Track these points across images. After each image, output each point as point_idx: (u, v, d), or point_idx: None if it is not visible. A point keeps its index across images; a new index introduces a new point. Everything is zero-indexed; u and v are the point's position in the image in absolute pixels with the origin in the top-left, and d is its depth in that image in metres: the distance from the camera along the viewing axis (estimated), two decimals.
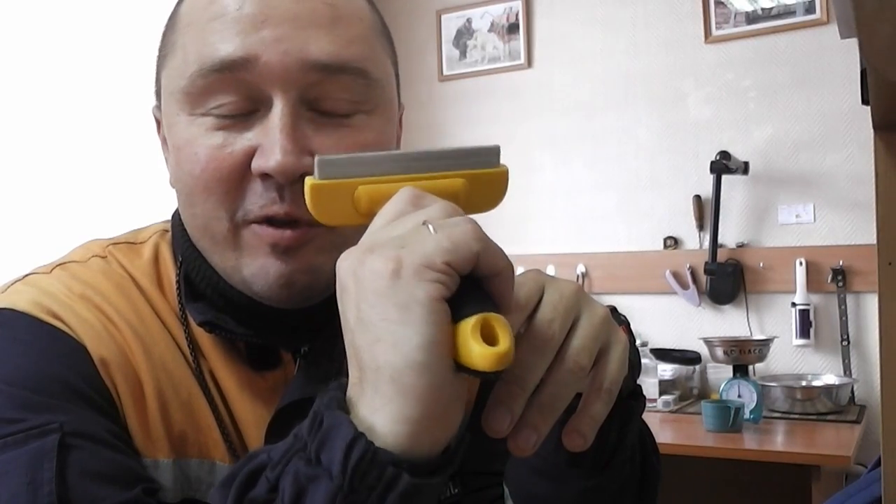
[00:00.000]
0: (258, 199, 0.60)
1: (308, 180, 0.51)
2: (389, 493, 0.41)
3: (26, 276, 0.65)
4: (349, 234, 0.63)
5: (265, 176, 0.60)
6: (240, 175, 0.60)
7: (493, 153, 0.54)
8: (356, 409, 0.43)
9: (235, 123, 0.60)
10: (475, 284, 0.44)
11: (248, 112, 0.61)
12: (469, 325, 0.42)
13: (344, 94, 0.62)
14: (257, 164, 0.59)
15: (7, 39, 2.16)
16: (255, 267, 0.62)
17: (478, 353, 0.41)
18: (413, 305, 0.41)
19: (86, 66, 2.30)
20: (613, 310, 0.58)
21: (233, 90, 0.60)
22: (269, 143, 0.59)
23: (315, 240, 0.62)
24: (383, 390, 0.42)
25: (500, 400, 0.46)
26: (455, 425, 0.44)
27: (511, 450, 0.47)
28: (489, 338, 0.42)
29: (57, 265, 0.66)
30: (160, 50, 0.67)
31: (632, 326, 2.03)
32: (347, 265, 0.44)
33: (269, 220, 0.61)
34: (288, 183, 0.59)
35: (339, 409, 0.43)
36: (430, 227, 0.43)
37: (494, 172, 0.54)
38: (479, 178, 0.53)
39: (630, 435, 0.63)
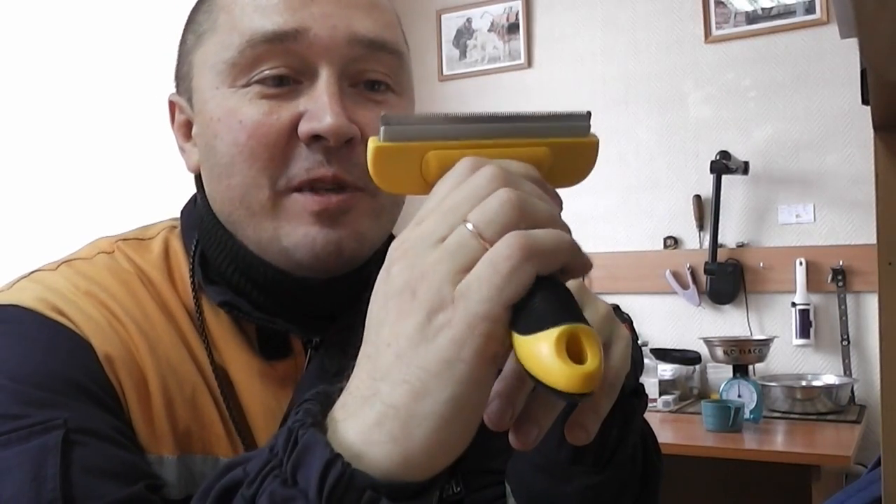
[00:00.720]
0: (304, 163, 0.62)
1: (372, 141, 0.45)
2: None
3: (32, 272, 0.66)
4: (386, 205, 0.65)
5: (313, 140, 0.62)
6: (285, 141, 0.62)
7: (583, 119, 0.49)
8: (347, 425, 0.41)
9: (280, 93, 0.63)
10: (555, 285, 0.39)
11: (293, 85, 0.63)
12: (553, 339, 0.36)
13: (382, 71, 0.66)
14: (309, 126, 0.62)
15: (12, 38, 2.16)
16: (298, 235, 0.63)
17: (565, 374, 0.36)
18: (457, 364, 0.39)
19: (92, 66, 2.30)
20: (616, 308, 0.59)
21: (280, 61, 0.63)
22: (320, 107, 0.62)
23: (359, 204, 0.64)
24: (390, 427, 0.40)
25: (500, 394, 0.45)
26: (457, 454, 0.42)
27: (512, 444, 0.47)
28: (574, 353, 0.37)
29: (63, 262, 0.67)
30: (192, 32, 0.69)
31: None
32: (402, 279, 0.41)
33: (313, 187, 0.63)
34: (336, 146, 0.62)
35: (315, 427, 0.41)
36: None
37: (584, 143, 0.49)
38: (566, 148, 0.48)
39: (632, 433, 0.63)
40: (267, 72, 0.63)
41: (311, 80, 0.63)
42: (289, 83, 0.63)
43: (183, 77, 0.69)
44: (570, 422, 0.48)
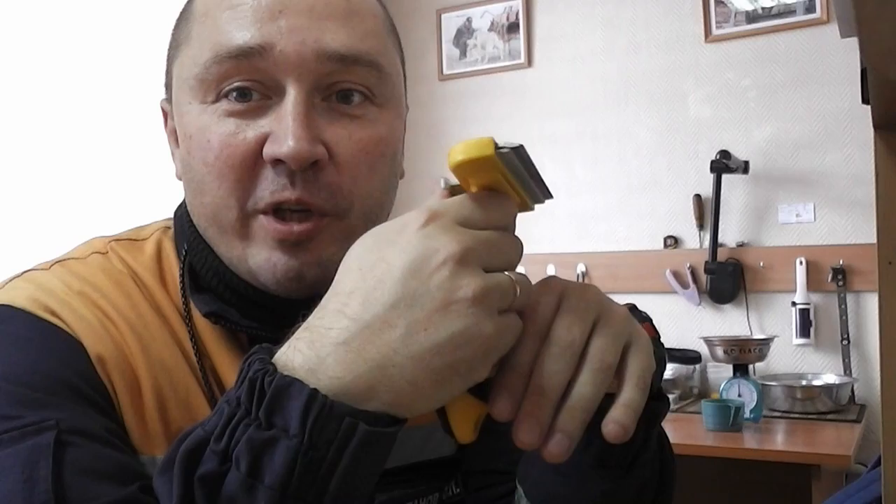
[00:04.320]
0: (269, 186, 0.61)
1: (488, 146, 0.46)
2: (349, 443, 0.42)
3: (25, 272, 0.65)
4: (358, 227, 0.63)
5: (276, 162, 0.60)
6: (252, 162, 0.61)
7: None
8: (311, 366, 0.44)
9: (248, 111, 0.61)
10: None
11: (261, 101, 0.61)
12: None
13: (357, 86, 0.63)
14: (270, 149, 0.60)
15: (9, 38, 2.15)
16: (262, 259, 0.62)
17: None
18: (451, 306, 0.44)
19: (88, 65, 2.30)
20: (633, 308, 0.58)
21: (247, 78, 0.61)
22: (282, 129, 0.59)
23: (325, 231, 0.62)
24: (367, 360, 0.44)
25: (527, 413, 0.47)
26: (430, 402, 0.46)
27: (545, 458, 0.47)
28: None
29: (56, 262, 0.66)
30: (172, 41, 0.67)
31: None
32: (422, 247, 0.45)
33: (279, 210, 0.61)
34: (300, 170, 0.60)
35: (278, 373, 0.44)
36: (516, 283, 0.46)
37: None
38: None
39: (654, 436, 0.62)
40: (231, 94, 0.61)
41: (279, 96, 0.61)
42: (255, 97, 0.61)
43: (168, 86, 0.68)
44: (607, 420, 0.49)
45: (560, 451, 0.47)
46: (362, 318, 0.44)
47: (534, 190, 0.51)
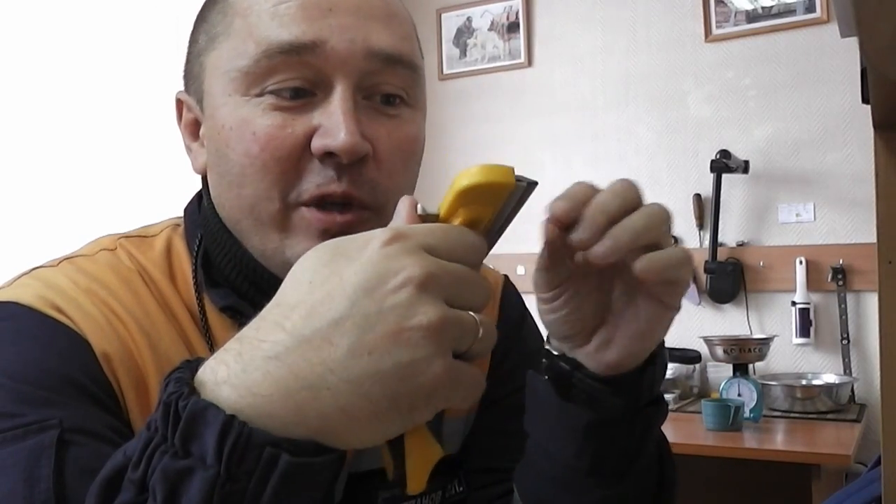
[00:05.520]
0: (315, 178, 0.61)
1: (509, 174, 0.47)
2: (270, 475, 0.39)
3: (33, 269, 0.65)
4: (390, 222, 0.64)
5: (326, 156, 0.61)
6: (298, 155, 0.61)
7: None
8: (241, 381, 0.41)
9: (294, 105, 0.62)
10: None
11: (308, 97, 0.62)
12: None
13: (397, 85, 0.65)
14: (322, 142, 0.60)
15: (14, 36, 2.15)
16: (301, 249, 0.61)
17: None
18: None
19: (95, 64, 2.30)
20: None
21: (296, 72, 0.61)
22: (334, 123, 0.60)
23: (366, 224, 0.62)
24: (287, 385, 0.41)
25: (586, 219, 0.51)
26: (359, 436, 0.42)
27: (589, 257, 0.51)
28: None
29: (64, 259, 0.66)
30: (203, 32, 0.67)
31: None
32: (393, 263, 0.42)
33: (322, 203, 0.62)
34: (349, 163, 0.61)
35: (193, 394, 0.41)
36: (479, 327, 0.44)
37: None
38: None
39: (650, 443, 0.62)
40: (282, 83, 0.61)
41: (325, 92, 0.62)
42: (304, 95, 0.62)
43: (194, 77, 0.68)
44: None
45: (602, 251, 0.50)
46: (301, 333, 0.41)
47: (499, 232, 0.50)
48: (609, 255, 0.50)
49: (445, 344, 0.42)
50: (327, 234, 0.61)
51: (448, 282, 0.43)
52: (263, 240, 0.64)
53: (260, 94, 0.62)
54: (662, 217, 0.54)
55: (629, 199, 0.53)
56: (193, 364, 0.44)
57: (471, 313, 0.44)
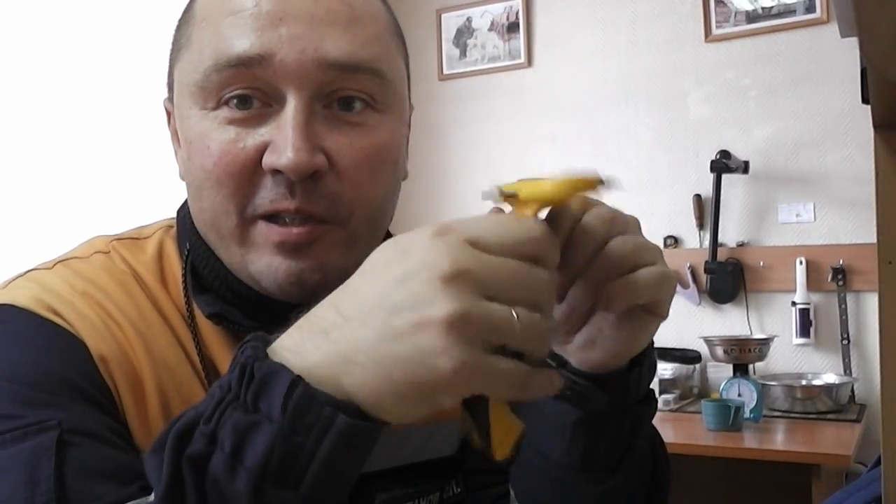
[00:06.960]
0: (268, 194, 0.60)
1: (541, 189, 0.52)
2: (327, 433, 0.43)
3: (28, 271, 0.65)
4: (361, 233, 0.63)
5: (276, 172, 0.60)
6: (251, 170, 0.60)
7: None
8: (296, 349, 0.45)
9: (248, 119, 0.61)
10: None
11: (262, 108, 0.61)
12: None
13: (359, 94, 0.62)
14: (269, 160, 0.60)
15: (13, 38, 2.15)
16: (262, 264, 0.62)
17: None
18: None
19: (90, 63, 2.30)
20: None
21: (247, 86, 0.60)
22: (282, 139, 0.59)
23: (326, 236, 0.62)
24: (347, 359, 0.44)
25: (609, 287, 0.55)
26: (405, 410, 0.45)
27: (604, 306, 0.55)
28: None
29: (59, 261, 0.66)
30: (174, 43, 0.67)
31: None
32: (438, 253, 0.44)
33: (277, 217, 0.61)
34: (299, 180, 0.59)
35: (268, 359, 0.45)
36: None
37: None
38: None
39: (640, 438, 0.62)
40: (232, 102, 0.60)
41: (280, 104, 0.60)
42: (255, 105, 0.60)
43: (170, 87, 0.68)
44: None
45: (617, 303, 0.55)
46: (346, 313, 0.45)
47: None
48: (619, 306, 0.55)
49: (467, 339, 0.42)
50: (284, 247, 0.61)
51: (487, 276, 0.43)
52: (227, 253, 0.64)
53: (216, 107, 0.61)
54: (642, 243, 0.59)
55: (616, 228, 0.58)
56: (262, 338, 0.48)
57: (511, 308, 0.43)
